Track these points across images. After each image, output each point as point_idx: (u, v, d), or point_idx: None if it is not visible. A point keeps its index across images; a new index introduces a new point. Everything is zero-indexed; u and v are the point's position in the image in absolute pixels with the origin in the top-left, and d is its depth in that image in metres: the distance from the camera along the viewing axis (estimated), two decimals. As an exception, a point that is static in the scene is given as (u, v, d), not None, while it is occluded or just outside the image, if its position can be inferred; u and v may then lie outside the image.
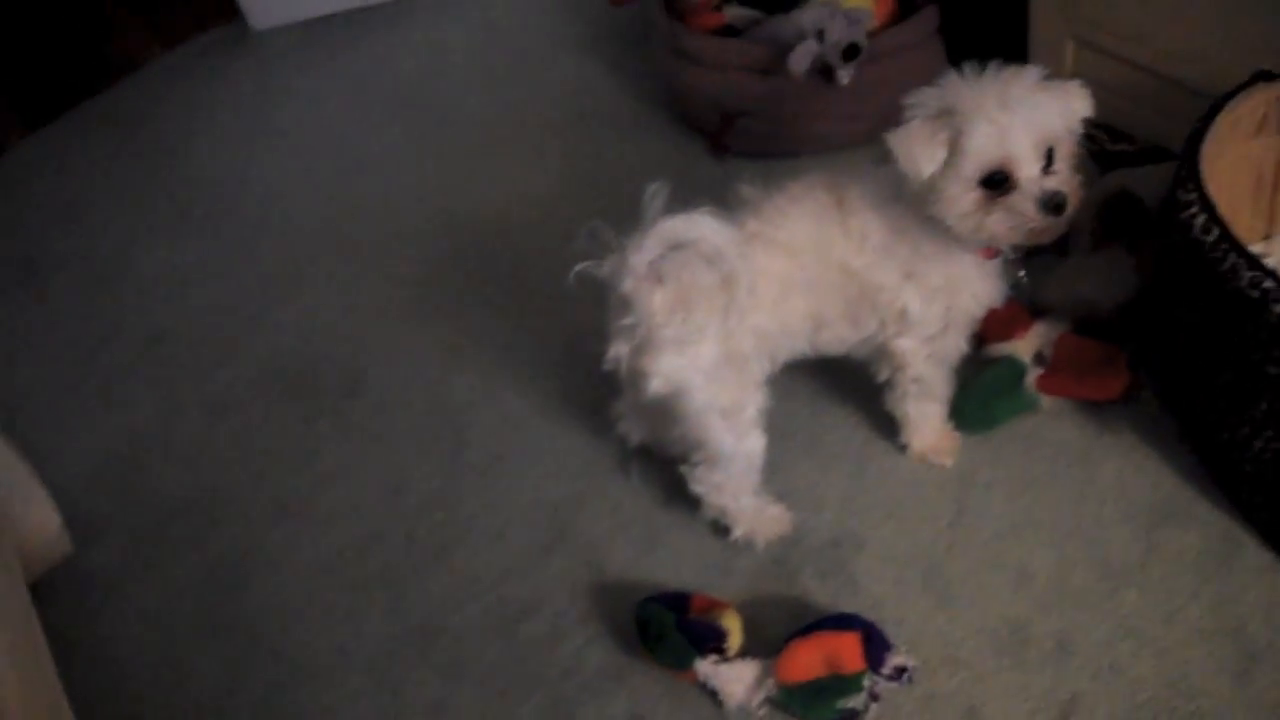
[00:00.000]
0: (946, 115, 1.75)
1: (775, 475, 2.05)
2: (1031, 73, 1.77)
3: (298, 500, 2.28)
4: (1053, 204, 1.75)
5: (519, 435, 2.31)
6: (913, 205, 1.83)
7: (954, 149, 1.75)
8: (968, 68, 1.79)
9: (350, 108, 3.31)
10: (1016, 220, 1.77)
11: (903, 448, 2.13)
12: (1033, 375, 2.15)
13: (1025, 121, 1.74)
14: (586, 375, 2.34)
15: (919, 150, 1.76)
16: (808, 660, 1.79)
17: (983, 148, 1.74)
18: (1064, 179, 1.78)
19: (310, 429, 2.40)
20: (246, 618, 2.10)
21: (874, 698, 1.77)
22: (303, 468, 2.33)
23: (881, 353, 2.02)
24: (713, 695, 1.83)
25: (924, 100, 1.79)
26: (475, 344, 2.50)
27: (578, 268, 1.80)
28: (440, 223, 2.84)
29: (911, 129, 1.78)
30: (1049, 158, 1.77)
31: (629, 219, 1.75)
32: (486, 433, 2.33)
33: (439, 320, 2.58)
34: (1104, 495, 2.02)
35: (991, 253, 1.91)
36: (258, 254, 2.87)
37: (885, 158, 1.80)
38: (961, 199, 1.77)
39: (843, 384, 2.24)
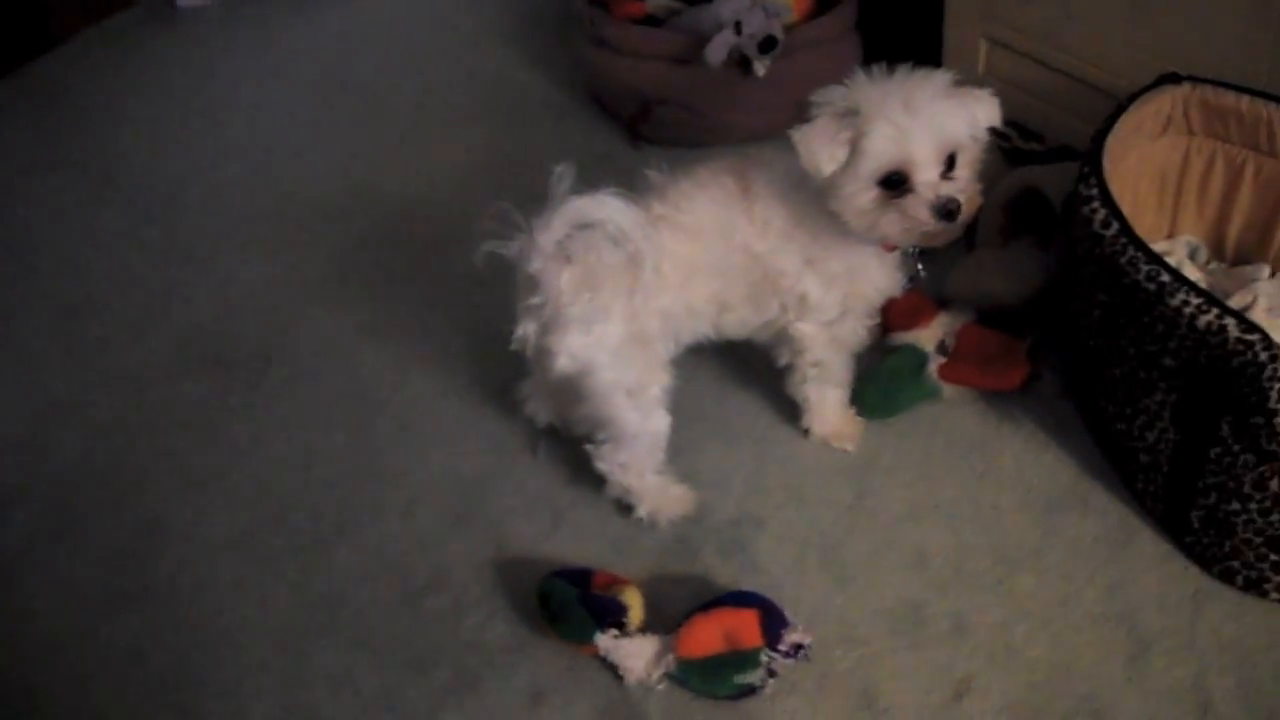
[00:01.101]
0: (850, 115, 1.78)
1: (679, 456, 2.07)
2: (941, 78, 1.81)
3: (208, 473, 2.27)
4: (945, 210, 1.78)
5: (428, 413, 2.32)
6: (815, 196, 1.87)
7: (855, 148, 1.78)
8: (876, 69, 1.82)
9: (272, 87, 3.30)
10: (909, 222, 1.80)
11: (805, 432, 2.17)
12: (935, 364, 2.20)
13: (927, 126, 1.77)
14: (496, 356, 2.34)
15: (821, 148, 1.79)
16: (707, 636, 1.81)
17: (882, 149, 1.77)
18: (963, 186, 1.82)
19: (222, 403, 2.40)
20: (155, 588, 2.09)
21: (771, 674, 1.80)
22: (214, 441, 2.33)
23: (782, 337, 2.05)
24: (613, 669, 1.84)
25: (830, 99, 1.82)
26: (388, 322, 2.52)
27: (485, 247, 1.81)
28: (358, 202, 2.84)
29: (816, 127, 1.80)
30: (950, 163, 1.81)
31: (543, 204, 1.78)
32: (396, 410, 2.34)
33: (353, 298, 2.59)
34: (1002, 482, 2.07)
35: (891, 245, 1.95)
36: (175, 229, 2.86)
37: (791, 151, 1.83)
38: (859, 197, 1.80)
39: (747, 368, 2.28)
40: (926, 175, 1.79)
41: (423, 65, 3.28)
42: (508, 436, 2.25)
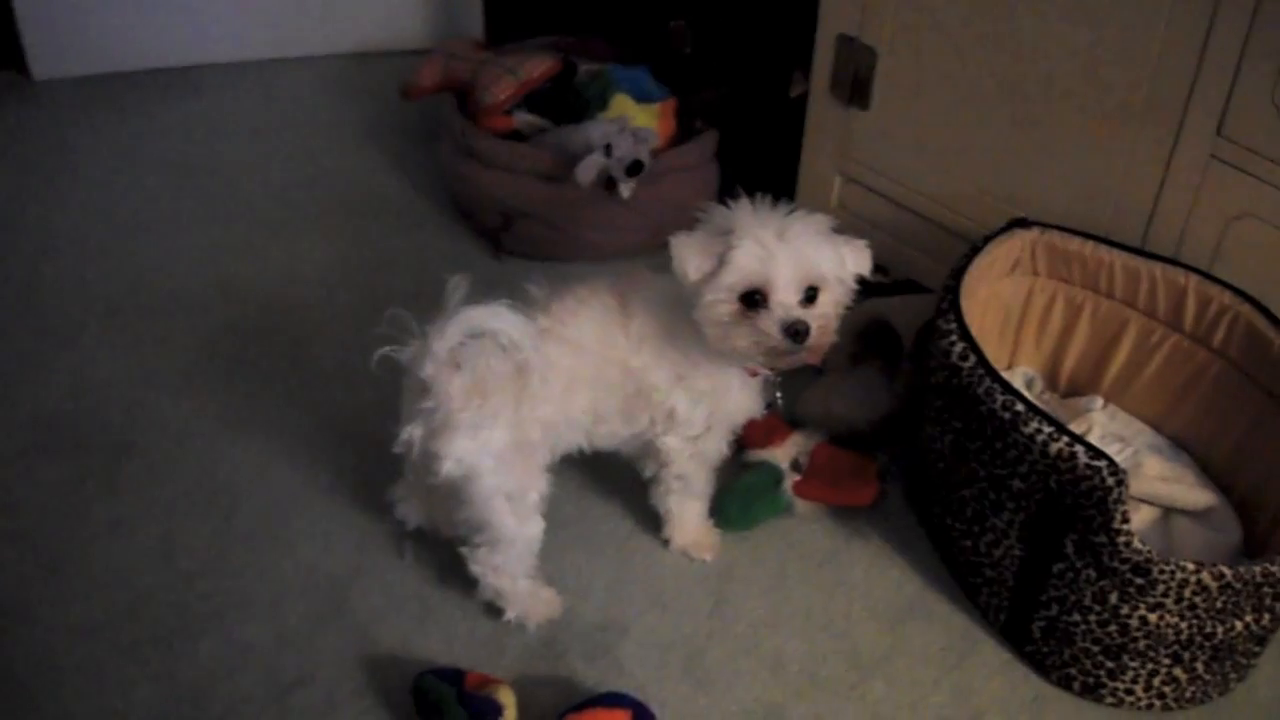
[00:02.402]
0: (725, 233, 1.90)
1: (545, 562, 2.12)
2: (821, 220, 1.94)
3: (65, 558, 2.23)
4: (793, 330, 1.87)
5: (292, 509, 2.33)
6: (688, 316, 1.97)
7: (722, 261, 1.89)
8: (761, 200, 1.94)
9: (130, 169, 3.27)
10: (759, 336, 1.89)
11: (665, 542, 2.26)
12: (790, 481, 2.31)
13: (792, 254, 1.88)
14: (360, 455, 2.41)
15: (690, 257, 1.91)
16: (580, 736, 1.87)
17: (745, 265, 1.88)
18: (818, 317, 1.91)
19: (79, 487, 2.36)
20: (11, 676, 2.04)
21: (641, 773, 1.87)
22: (71, 525, 2.29)
23: (649, 449, 2.14)
24: (485, 768, 1.89)
25: (713, 216, 1.95)
26: (250, 416, 2.52)
27: (380, 351, 1.87)
28: (218, 294, 2.85)
29: (693, 237, 1.93)
30: (811, 296, 1.92)
31: (407, 307, 1.85)
32: (259, 504, 2.34)
33: (213, 389, 2.59)
34: (853, 593, 2.19)
35: (753, 371, 2.06)
36: (27, 308, 2.81)
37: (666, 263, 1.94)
38: (718, 307, 1.90)
39: (608, 479, 2.36)
40: (782, 296, 1.88)
41: (283, 161, 3.30)
42: (373, 536, 2.28)
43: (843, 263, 1.95)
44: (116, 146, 3.36)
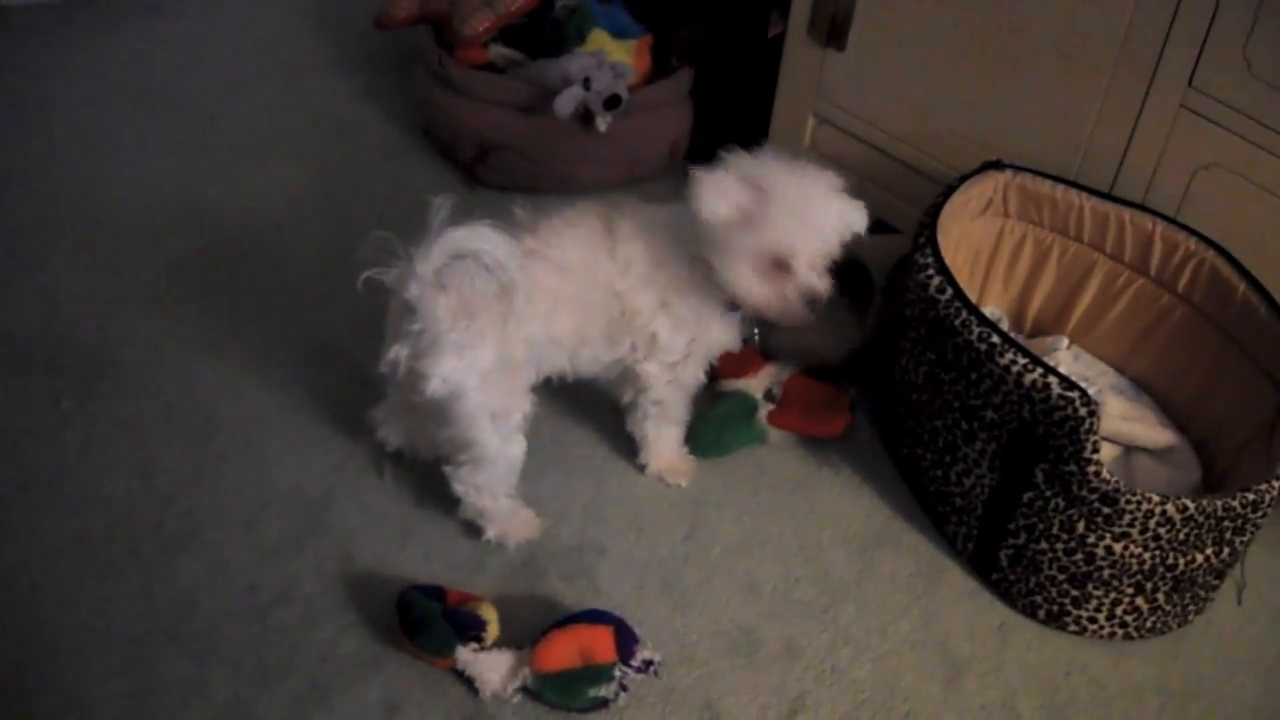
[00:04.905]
0: (755, 188, 1.94)
1: (523, 484, 2.15)
2: (829, 179, 2.01)
3: (41, 477, 2.23)
4: (811, 299, 1.98)
5: (269, 429, 2.35)
6: (673, 244, 2.02)
7: (752, 221, 1.94)
8: (772, 148, 2.01)
9: (102, 93, 3.24)
10: (778, 297, 1.98)
11: (641, 467, 2.30)
12: (763, 410, 2.36)
13: (819, 231, 1.97)
14: (335, 376, 2.43)
15: (713, 197, 1.94)
16: (563, 651, 1.91)
17: (782, 238, 1.95)
18: (828, 284, 2.00)
19: (54, 407, 2.36)
20: (-10, 593, 2.07)
21: (623, 687, 1.91)
22: (46, 445, 2.29)
23: (628, 375, 2.18)
24: (468, 682, 1.92)
25: (740, 162, 1.98)
26: (224, 338, 2.52)
27: (366, 274, 1.88)
28: (191, 217, 2.84)
29: (720, 178, 1.95)
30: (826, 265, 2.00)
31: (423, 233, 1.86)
32: (236, 424, 2.35)
33: (187, 311, 2.58)
34: (823, 520, 2.25)
35: (733, 305, 2.11)
36: (-2, 228, 2.80)
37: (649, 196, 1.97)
38: (749, 265, 1.97)
39: (585, 407, 2.39)
40: (807, 268, 1.97)
41: (254, 89, 3.28)
42: (350, 456, 2.30)
43: (847, 224, 2.02)
44: (86, 71, 3.32)
